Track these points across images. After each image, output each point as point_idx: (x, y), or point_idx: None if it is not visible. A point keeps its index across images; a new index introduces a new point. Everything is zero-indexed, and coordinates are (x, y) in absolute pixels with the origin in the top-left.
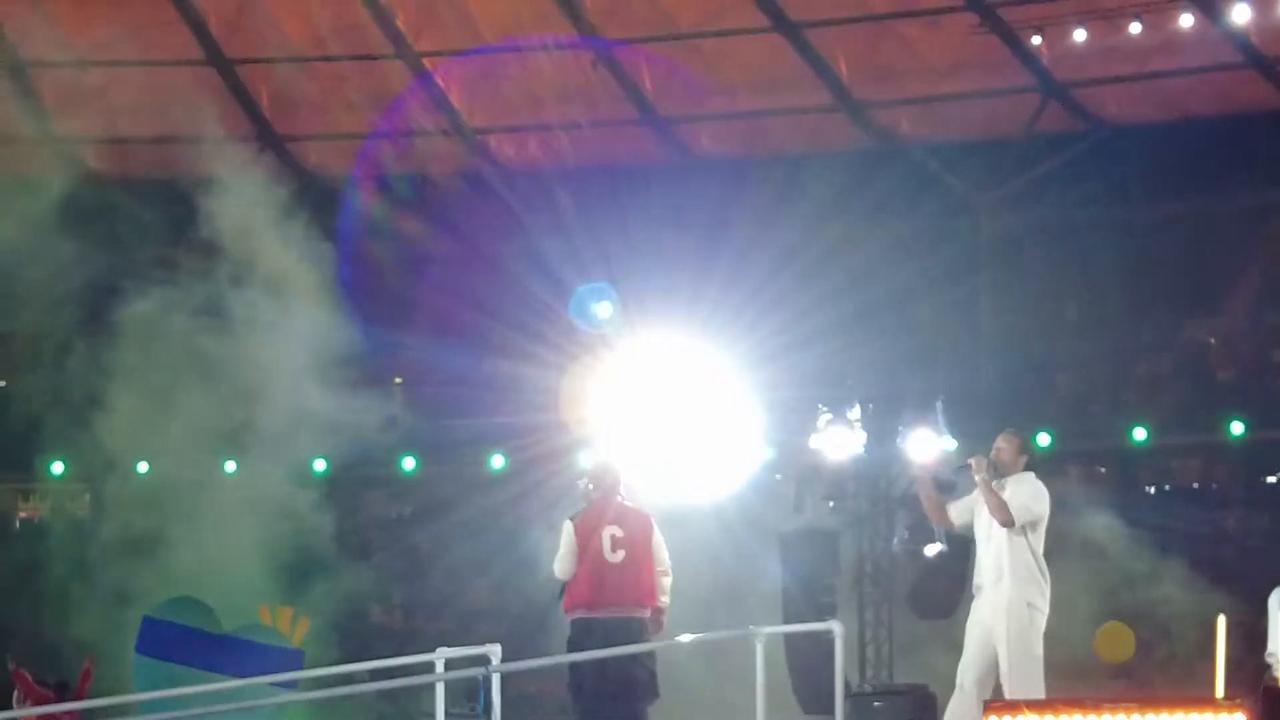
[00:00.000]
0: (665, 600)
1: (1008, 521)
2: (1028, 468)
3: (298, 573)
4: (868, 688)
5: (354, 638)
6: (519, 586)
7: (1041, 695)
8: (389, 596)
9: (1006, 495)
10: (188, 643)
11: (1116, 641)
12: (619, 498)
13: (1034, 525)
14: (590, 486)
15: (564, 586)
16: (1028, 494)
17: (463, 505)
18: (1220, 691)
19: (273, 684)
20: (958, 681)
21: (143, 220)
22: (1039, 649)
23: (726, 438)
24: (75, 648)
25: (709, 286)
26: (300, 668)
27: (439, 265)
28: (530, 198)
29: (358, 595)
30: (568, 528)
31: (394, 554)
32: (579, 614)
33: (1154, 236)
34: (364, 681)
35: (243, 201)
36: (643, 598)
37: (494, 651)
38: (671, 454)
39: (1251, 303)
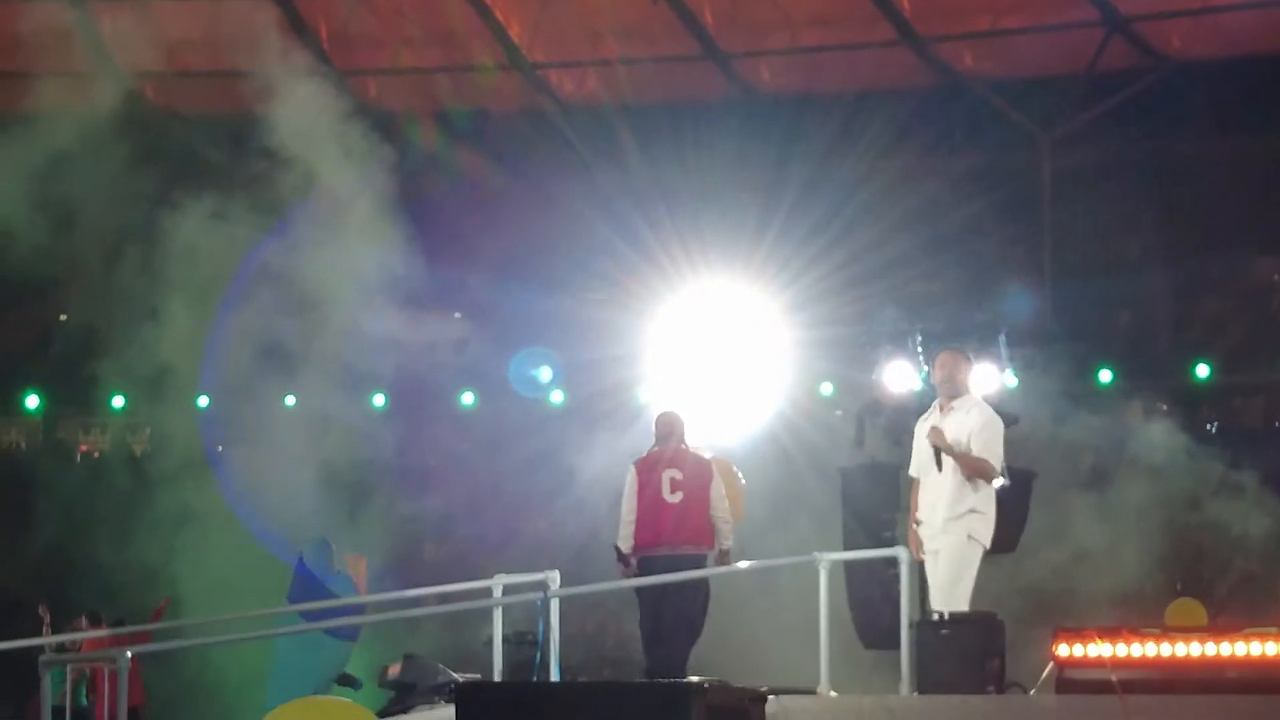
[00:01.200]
0: (728, 544)
1: (992, 477)
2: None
3: (357, 507)
4: (935, 615)
5: (411, 572)
6: (579, 521)
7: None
8: (449, 530)
9: (970, 433)
10: (311, 591)
11: (1188, 617)
12: (682, 444)
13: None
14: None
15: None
16: (993, 438)
17: (522, 440)
18: None
19: (336, 634)
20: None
21: (204, 153)
22: (969, 575)
23: (781, 374)
24: (138, 583)
25: (771, 223)
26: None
27: (500, 201)
28: (590, 134)
29: (416, 529)
30: (631, 470)
31: (453, 488)
32: (641, 553)
33: (1218, 173)
34: (423, 613)
35: (303, 131)
36: (697, 537)
37: (552, 578)
38: (729, 390)
39: None
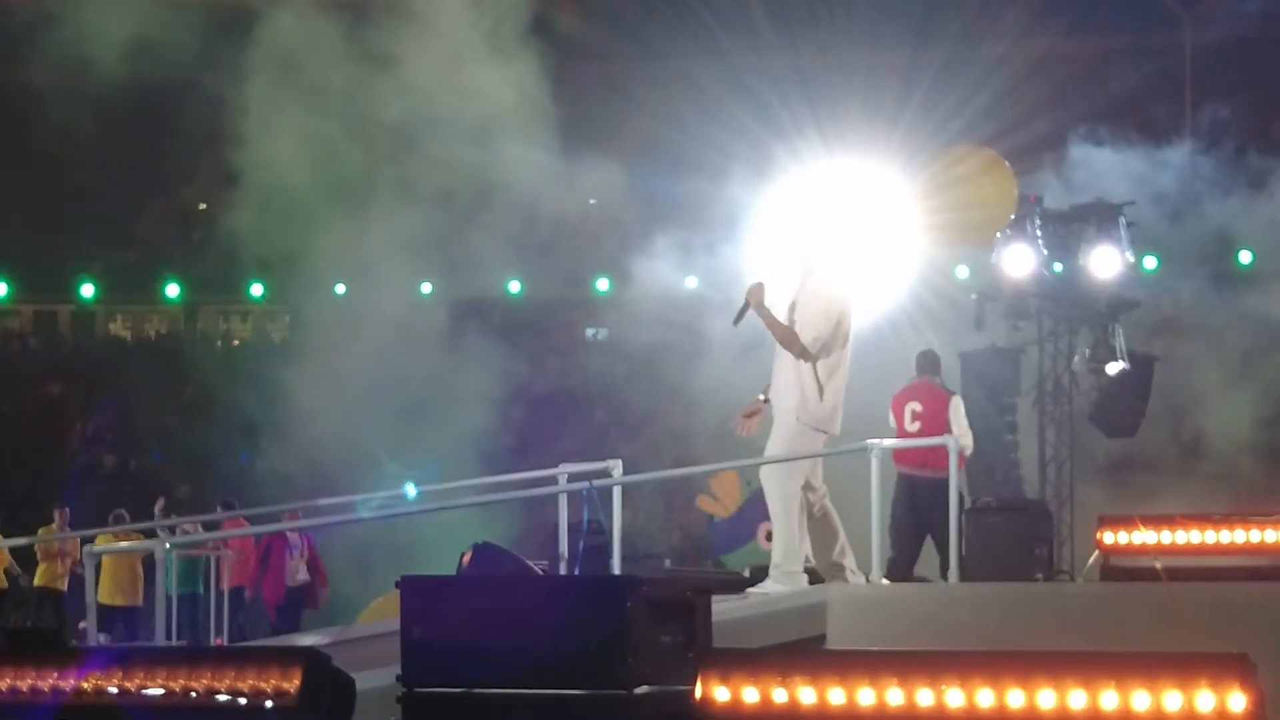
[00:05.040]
0: (966, 441)
1: (803, 356)
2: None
3: (490, 390)
4: (984, 502)
5: (545, 454)
6: (711, 408)
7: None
8: (585, 413)
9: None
10: None
11: None
12: (933, 379)
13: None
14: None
15: None
16: (816, 316)
17: (656, 325)
18: None
19: None
20: None
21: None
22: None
23: (915, 257)
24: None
25: (909, 104)
26: None
27: (635, 84)
28: (726, 14)
29: (553, 411)
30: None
31: (588, 373)
32: (898, 470)
33: None
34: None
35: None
36: (935, 462)
37: (614, 466)
38: (862, 274)
39: None
